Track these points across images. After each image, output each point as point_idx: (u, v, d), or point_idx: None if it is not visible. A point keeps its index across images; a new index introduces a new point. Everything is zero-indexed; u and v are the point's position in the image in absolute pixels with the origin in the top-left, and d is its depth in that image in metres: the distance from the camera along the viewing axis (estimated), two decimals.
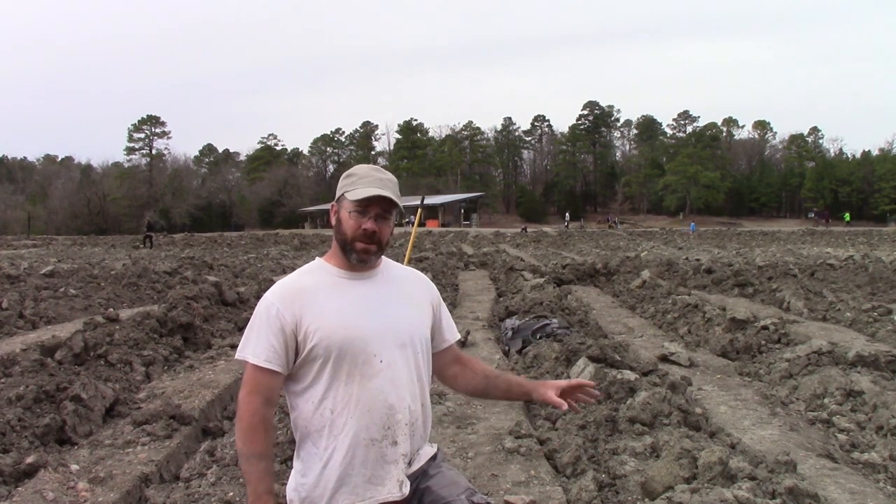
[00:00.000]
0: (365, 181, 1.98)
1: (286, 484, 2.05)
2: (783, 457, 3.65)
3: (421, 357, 2.06)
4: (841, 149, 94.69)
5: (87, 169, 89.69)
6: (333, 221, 2.02)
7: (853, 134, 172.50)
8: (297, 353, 1.92)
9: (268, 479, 1.88)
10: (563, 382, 2.18)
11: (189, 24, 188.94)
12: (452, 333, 2.22)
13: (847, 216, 67.81)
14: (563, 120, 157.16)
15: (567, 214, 73.34)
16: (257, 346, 1.89)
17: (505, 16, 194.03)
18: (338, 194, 2.02)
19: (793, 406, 5.52)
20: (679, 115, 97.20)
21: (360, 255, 1.98)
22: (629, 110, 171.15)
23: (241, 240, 39.73)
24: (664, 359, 6.79)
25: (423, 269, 15.09)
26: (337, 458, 1.90)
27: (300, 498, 1.94)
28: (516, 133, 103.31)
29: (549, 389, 2.14)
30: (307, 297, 1.93)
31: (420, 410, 2.03)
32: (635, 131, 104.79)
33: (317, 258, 2.10)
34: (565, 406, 2.12)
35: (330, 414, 1.91)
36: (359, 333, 1.93)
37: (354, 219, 1.96)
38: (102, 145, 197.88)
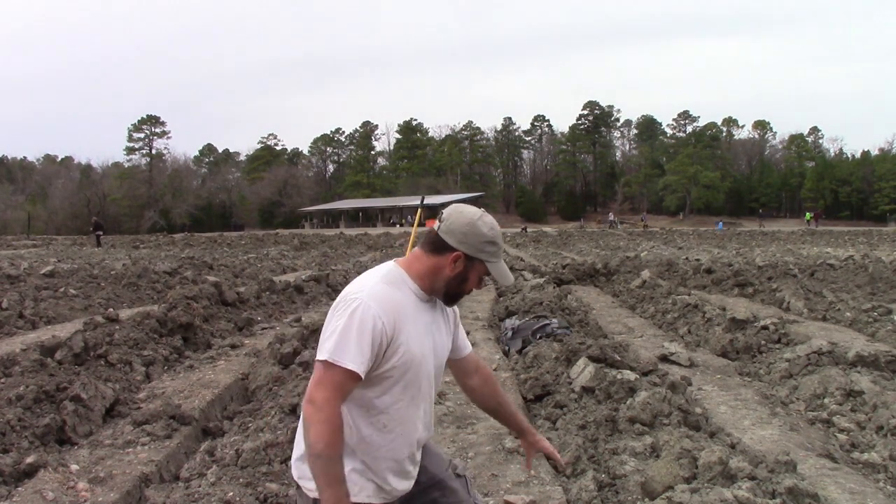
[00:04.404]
0: (501, 251, 2.10)
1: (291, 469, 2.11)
2: (783, 457, 3.65)
3: (441, 380, 2.23)
4: (841, 149, 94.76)
5: (87, 169, 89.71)
6: (454, 270, 2.02)
7: (853, 134, 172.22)
8: (375, 367, 1.93)
9: (346, 483, 1.89)
10: (548, 449, 2.40)
11: (189, 24, 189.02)
12: (466, 345, 2.34)
13: (808, 215, 67.86)
14: (563, 120, 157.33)
15: (611, 213, 73.71)
16: (358, 354, 1.86)
17: (505, 15, 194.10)
18: (472, 251, 2.00)
19: (793, 406, 5.52)
20: (679, 115, 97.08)
21: (457, 303, 2.16)
22: (629, 110, 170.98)
23: (241, 240, 39.69)
24: (664, 359, 6.79)
25: None
26: (366, 464, 1.99)
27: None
28: (516, 133, 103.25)
29: (533, 448, 2.40)
30: (400, 315, 1.94)
31: (431, 426, 2.20)
32: (635, 131, 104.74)
33: (396, 266, 2.07)
34: (529, 468, 2.52)
35: (382, 427, 1.98)
36: (425, 361, 2.02)
37: (477, 283, 2.07)
38: (102, 145, 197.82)
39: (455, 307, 2.24)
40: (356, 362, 1.85)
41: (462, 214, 2.03)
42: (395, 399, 1.98)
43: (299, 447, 2.05)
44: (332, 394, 1.85)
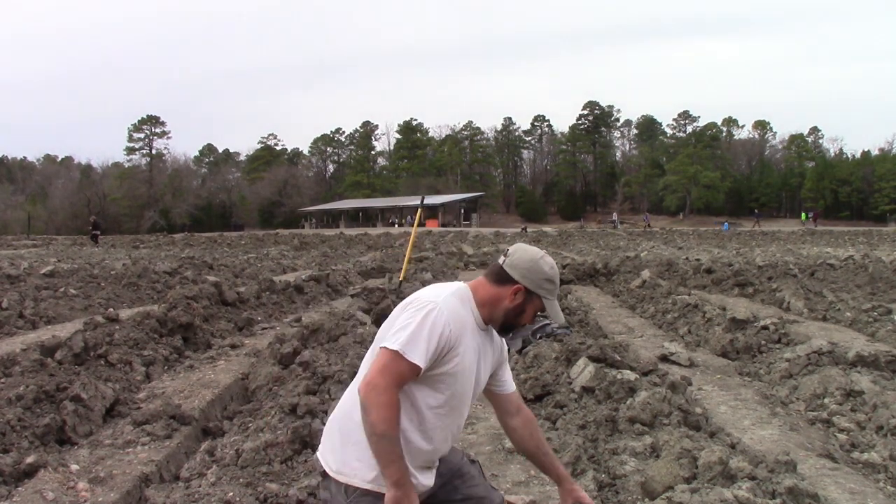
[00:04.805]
0: (557, 291, 2.31)
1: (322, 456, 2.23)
2: (783, 457, 3.65)
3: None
4: (841, 149, 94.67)
5: (87, 169, 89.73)
6: (513, 302, 2.21)
7: (853, 134, 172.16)
8: (431, 367, 2.10)
9: (405, 459, 2.05)
10: (585, 500, 2.45)
11: (189, 23, 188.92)
12: (511, 384, 2.48)
13: (804, 215, 68.55)
14: (563, 120, 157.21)
15: (615, 214, 73.51)
16: (425, 352, 2.04)
17: (505, 15, 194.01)
18: (532, 286, 2.21)
19: (793, 406, 5.52)
20: (679, 115, 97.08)
21: (509, 334, 2.34)
22: (629, 110, 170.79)
23: (241, 240, 39.68)
24: (664, 359, 6.79)
25: (422, 270, 15.10)
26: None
27: (369, 468, 2.07)
28: (516, 133, 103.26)
29: (570, 496, 2.43)
30: (462, 329, 2.14)
31: (455, 442, 2.37)
32: (635, 131, 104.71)
33: (466, 288, 2.25)
34: None
35: (419, 425, 2.14)
36: (470, 378, 2.20)
37: (531, 318, 2.28)
38: (102, 145, 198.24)
39: (504, 347, 2.41)
40: (422, 359, 2.03)
41: (526, 252, 2.25)
42: (440, 403, 2.14)
43: (333, 439, 2.18)
44: (393, 381, 2.01)
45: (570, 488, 2.45)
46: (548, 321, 7.52)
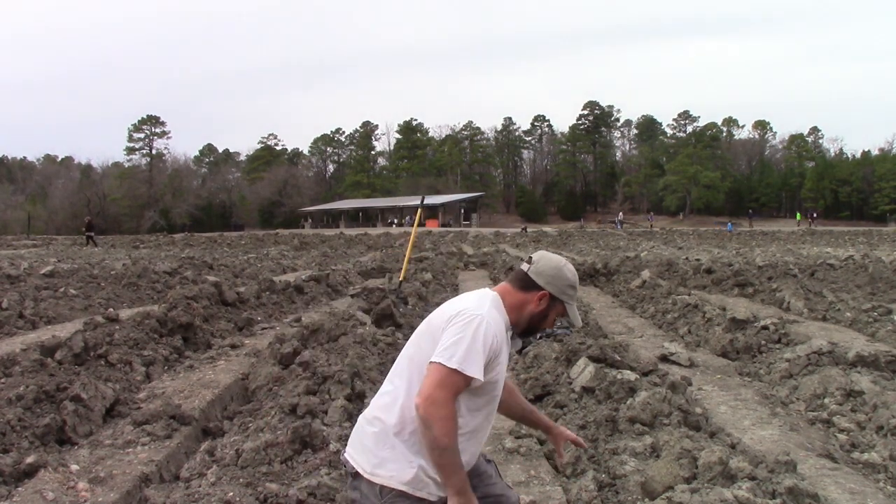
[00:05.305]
0: (577, 295, 2.39)
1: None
2: (783, 457, 3.65)
3: None
4: (841, 149, 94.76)
5: (87, 169, 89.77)
6: (538, 307, 2.30)
7: (853, 134, 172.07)
8: None
9: (464, 468, 2.13)
10: (570, 436, 2.62)
11: (189, 23, 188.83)
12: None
13: (799, 216, 69.33)
14: (563, 120, 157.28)
15: (620, 214, 73.14)
16: (480, 364, 2.11)
17: (505, 15, 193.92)
18: (556, 292, 2.30)
19: (793, 406, 5.52)
20: (679, 115, 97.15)
21: (530, 337, 2.42)
22: (629, 110, 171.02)
23: (241, 240, 39.69)
24: (664, 359, 6.79)
25: (422, 270, 15.10)
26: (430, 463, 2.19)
27: (407, 470, 2.13)
28: (516, 133, 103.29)
29: (560, 438, 2.60)
30: (501, 339, 2.22)
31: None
32: (635, 131, 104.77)
33: (497, 295, 2.31)
34: (564, 459, 2.82)
35: (461, 430, 2.16)
36: (503, 382, 2.30)
37: (552, 322, 2.37)
38: (102, 145, 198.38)
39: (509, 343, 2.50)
40: (479, 372, 2.10)
41: (551, 259, 2.34)
42: (479, 407, 2.22)
43: (365, 441, 2.20)
44: (451, 395, 2.07)
45: (559, 432, 2.61)
46: None
